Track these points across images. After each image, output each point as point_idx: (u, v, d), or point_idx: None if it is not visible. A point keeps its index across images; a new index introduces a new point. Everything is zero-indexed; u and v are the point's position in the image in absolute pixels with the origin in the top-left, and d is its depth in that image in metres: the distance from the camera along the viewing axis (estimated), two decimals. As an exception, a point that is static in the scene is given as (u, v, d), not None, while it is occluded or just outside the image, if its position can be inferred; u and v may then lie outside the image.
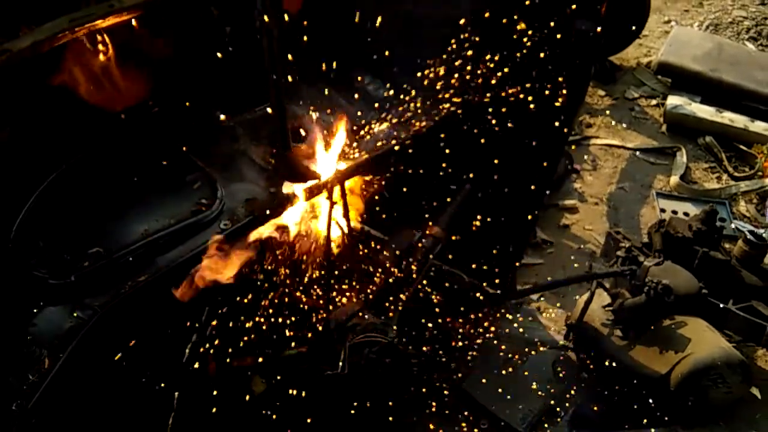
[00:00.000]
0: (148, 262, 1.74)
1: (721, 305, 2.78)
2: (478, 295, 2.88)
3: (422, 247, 2.43)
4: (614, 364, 2.67)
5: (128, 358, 1.76)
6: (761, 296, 2.86)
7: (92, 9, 1.86)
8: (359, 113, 2.36)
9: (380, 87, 2.49)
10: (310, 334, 2.29)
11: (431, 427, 2.63)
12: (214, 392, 2.10)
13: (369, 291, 2.39)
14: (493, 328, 3.00)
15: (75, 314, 1.62)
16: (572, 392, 2.82)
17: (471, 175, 2.60)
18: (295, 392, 2.22)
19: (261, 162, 2.06)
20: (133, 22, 1.94)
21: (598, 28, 2.21)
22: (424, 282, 2.58)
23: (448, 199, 2.54)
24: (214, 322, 1.91)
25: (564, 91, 2.37)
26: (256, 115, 2.22)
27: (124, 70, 1.99)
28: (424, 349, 2.72)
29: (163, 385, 1.89)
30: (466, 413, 2.70)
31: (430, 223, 2.50)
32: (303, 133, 2.16)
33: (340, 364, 2.07)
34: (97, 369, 1.70)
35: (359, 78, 2.51)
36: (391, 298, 2.37)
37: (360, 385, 2.17)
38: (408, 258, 2.41)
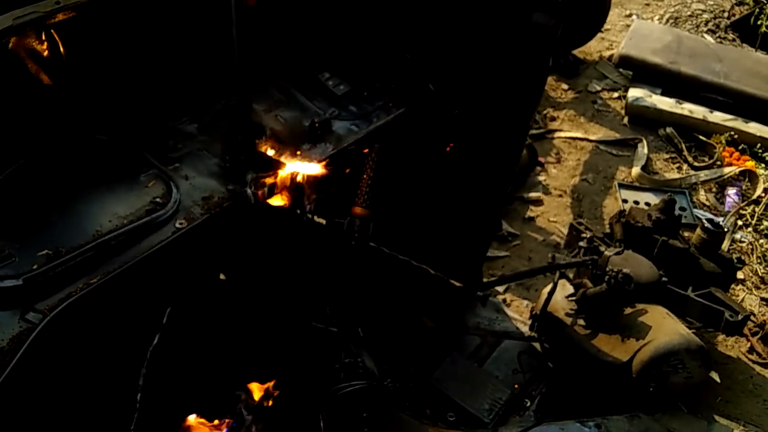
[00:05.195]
0: (100, 263, 1.70)
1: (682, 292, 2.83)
2: (444, 288, 2.89)
3: (355, 232, 2.25)
4: (578, 353, 2.70)
5: (82, 362, 1.72)
6: (719, 283, 2.92)
7: (38, 6, 1.81)
8: (319, 110, 2.34)
9: (340, 83, 2.48)
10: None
11: (398, 420, 2.63)
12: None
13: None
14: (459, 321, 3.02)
15: (24, 318, 1.58)
16: (538, 382, 2.85)
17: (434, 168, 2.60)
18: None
19: (217, 158, 2.03)
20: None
21: (556, 21, 2.22)
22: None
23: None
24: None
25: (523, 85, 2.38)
26: (212, 112, 2.18)
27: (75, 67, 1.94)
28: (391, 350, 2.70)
29: (123, 388, 1.85)
30: (433, 406, 2.71)
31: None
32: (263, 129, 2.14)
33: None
34: (49, 374, 1.66)
35: (319, 74, 2.49)
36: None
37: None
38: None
